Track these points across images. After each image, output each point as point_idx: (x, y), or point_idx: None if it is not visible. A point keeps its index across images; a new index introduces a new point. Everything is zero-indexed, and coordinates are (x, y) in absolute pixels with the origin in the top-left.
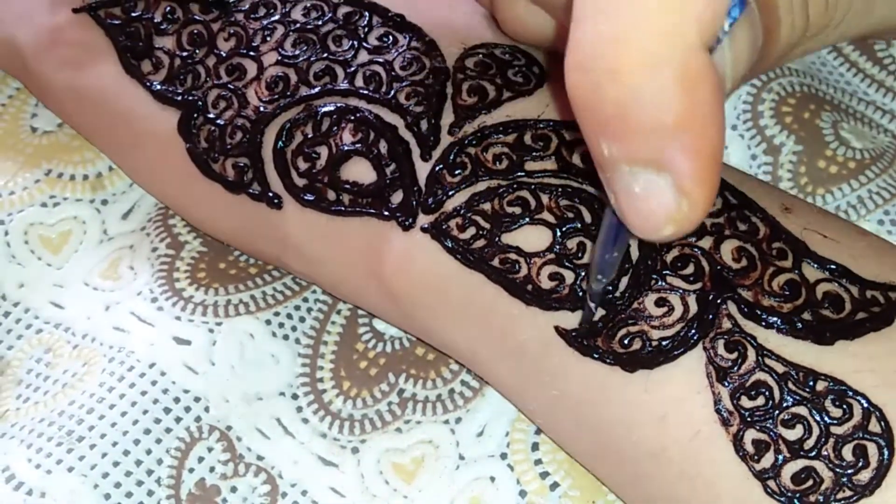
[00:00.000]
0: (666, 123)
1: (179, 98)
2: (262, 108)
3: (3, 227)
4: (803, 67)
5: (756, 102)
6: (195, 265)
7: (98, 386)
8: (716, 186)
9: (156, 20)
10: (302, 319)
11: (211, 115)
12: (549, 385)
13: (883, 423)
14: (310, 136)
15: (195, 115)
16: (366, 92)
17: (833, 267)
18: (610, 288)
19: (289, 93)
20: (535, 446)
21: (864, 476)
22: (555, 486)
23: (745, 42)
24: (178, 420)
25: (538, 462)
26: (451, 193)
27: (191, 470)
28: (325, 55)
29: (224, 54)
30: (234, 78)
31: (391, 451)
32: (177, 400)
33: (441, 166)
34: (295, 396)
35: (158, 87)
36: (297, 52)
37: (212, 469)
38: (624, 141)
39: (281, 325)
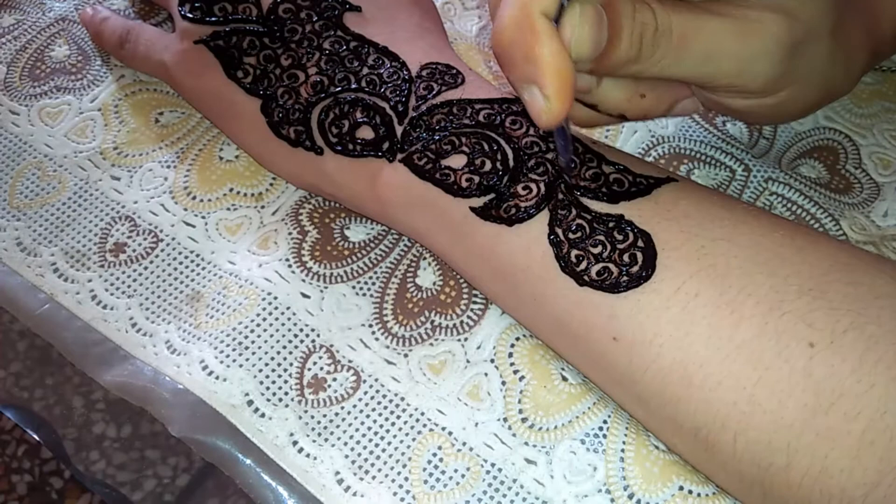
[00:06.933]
0: (529, 57)
1: (261, 92)
2: (309, 99)
3: (205, 220)
4: (675, 132)
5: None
6: (314, 247)
7: (256, 315)
8: (567, 95)
9: (243, 47)
10: (374, 283)
11: (280, 103)
12: (467, 243)
13: (645, 239)
14: (337, 114)
15: (270, 103)
16: (368, 90)
17: (619, 166)
18: (573, 158)
19: (323, 90)
20: (510, 354)
21: (634, 270)
22: (522, 377)
23: (587, 26)
24: (301, 341)
25: (512, 364)
26: (413, 142)
27: (308, 369)
28: (344, 69)
29: (285, 67)
30: (292, 81)
31: (427, 356)
32: (301, 329)
33: (408, 127)
34: (370, 326)
35: (248, 86)
36: (327, 67)
37: (321, 368)
38: (513, 70)
39: (361, 287)
